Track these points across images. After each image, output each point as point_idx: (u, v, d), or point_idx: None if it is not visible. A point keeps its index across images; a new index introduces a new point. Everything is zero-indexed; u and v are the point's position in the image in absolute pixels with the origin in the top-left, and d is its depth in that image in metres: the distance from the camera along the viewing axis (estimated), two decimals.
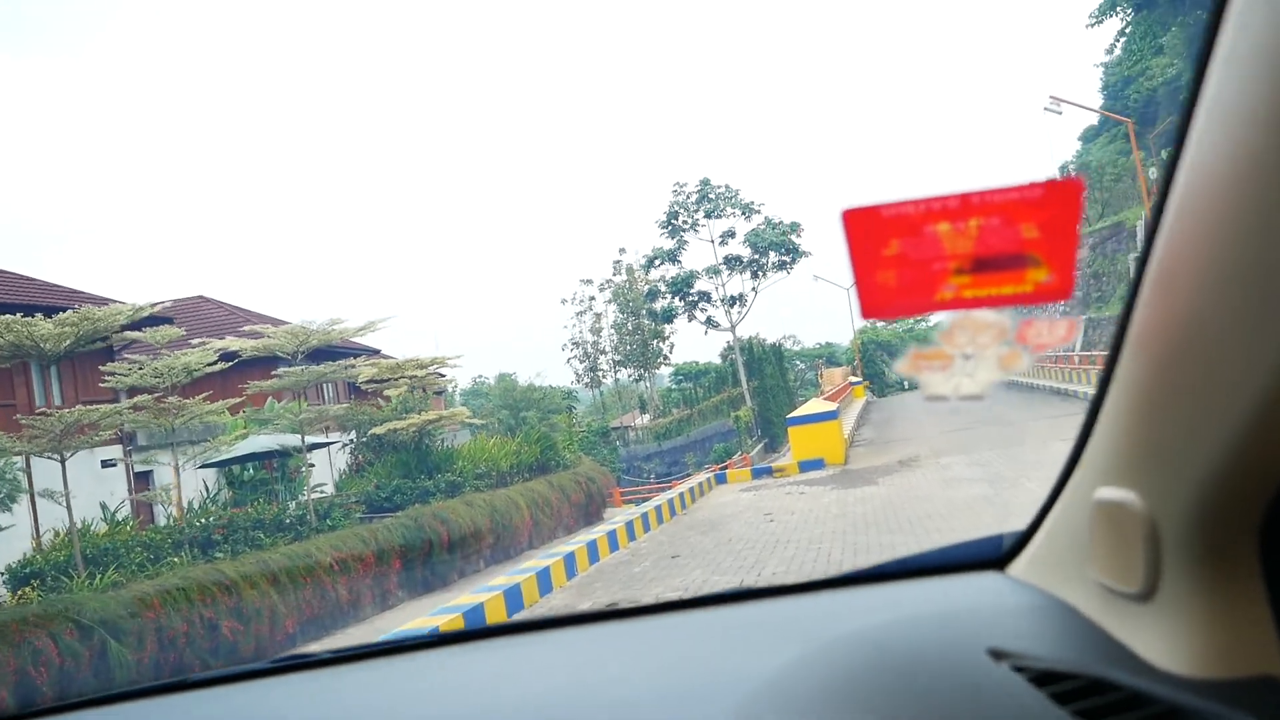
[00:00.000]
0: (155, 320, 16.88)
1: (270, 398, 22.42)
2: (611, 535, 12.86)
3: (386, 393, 23.83)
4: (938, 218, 0.76)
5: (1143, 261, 0.88)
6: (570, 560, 11.20)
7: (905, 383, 66.55)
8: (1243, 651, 0.96)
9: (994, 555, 1.54)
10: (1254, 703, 0.92)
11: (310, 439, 20.08)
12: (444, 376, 39.98)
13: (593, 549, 12.03)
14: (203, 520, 16.46)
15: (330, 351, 21.79)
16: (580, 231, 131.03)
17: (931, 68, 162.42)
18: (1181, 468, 0.92)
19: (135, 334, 16.42)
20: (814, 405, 23.40)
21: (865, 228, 0.77)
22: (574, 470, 26.27)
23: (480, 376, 53.71)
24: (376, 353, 29.44)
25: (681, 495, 17.25)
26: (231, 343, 18.93)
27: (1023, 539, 1.47)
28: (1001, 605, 1.41)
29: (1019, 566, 1.47)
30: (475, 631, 1.91)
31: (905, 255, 0.77)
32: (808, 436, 20.99)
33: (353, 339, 23.33)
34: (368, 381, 23.55)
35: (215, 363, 17.19)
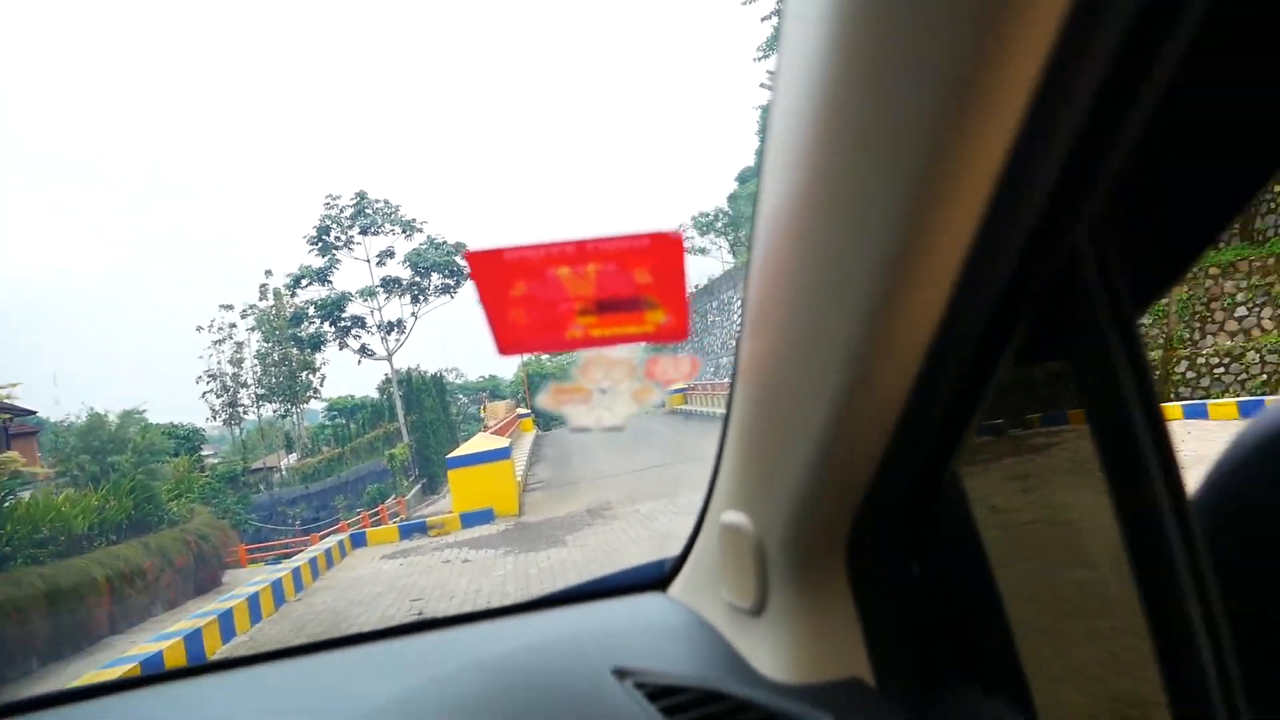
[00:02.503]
0: None
1: None
2: (154, 662, 8.20)
3: None
4: (557, 261, 0.80)
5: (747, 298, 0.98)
6: None
7: None
8: (836, 657, 1.07)
9: (658, 577, 1.59)
10: (841, 702, 1.04)
11: None
12: (30, 413, 32.98)
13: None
14: None
15: None
16: (222, 251, 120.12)
17: (606, 103, 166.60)
18: (777, 491, 1.02)
19: None
20: (480, 442, 19.83)
21: (490, 269, 0.81)
22: (183, 527, 22.09)
23: (102, 412, 46.58)
24: None
25: (297, 573, 12.66)
26: None
27: (680, 561, 1.53)
28: (648, 625, 1.46)
29: (676, 588, 1.53)
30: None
31: (532, 296, 0.81)
32: (472, 480, 17.29)
33: None
34: None
35: None
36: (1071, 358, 0.77)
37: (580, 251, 0.80)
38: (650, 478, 17.32)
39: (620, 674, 1.22)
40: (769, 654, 1.14)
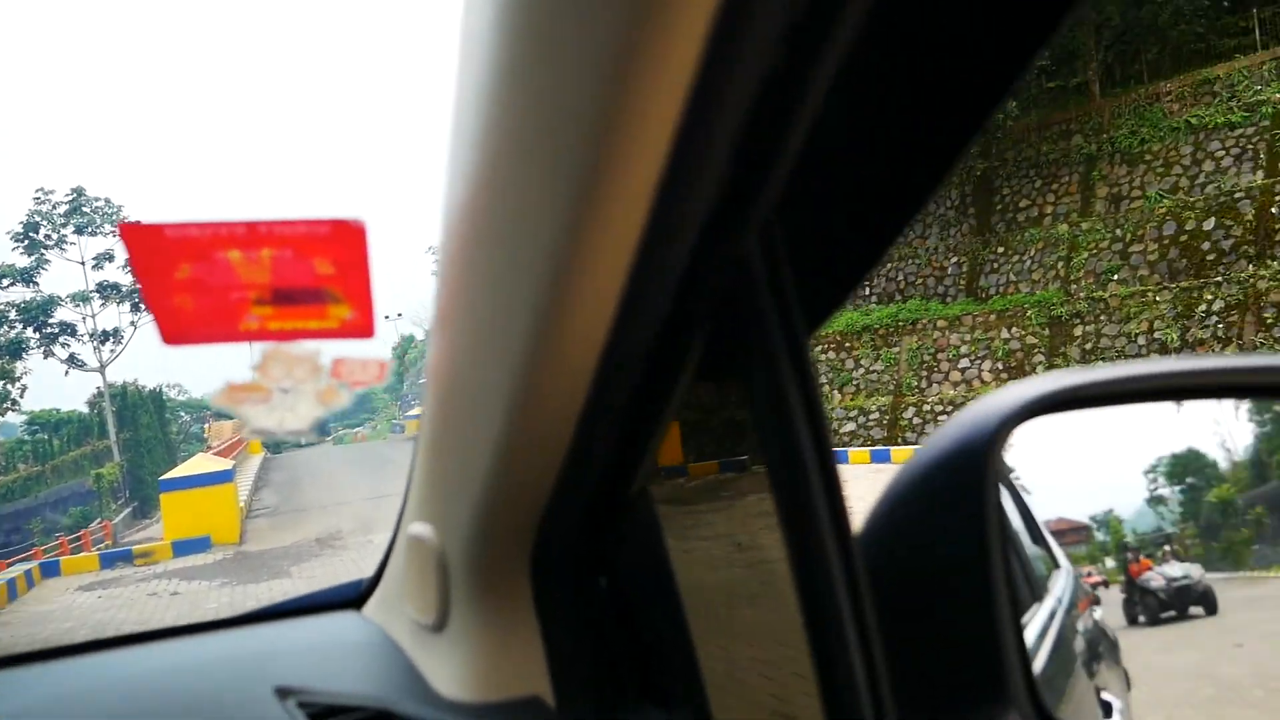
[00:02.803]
0: None
1: None
2: None
3: None
4: (226, 244, 0.75)
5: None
6: None
7: (302, 438, 65.44)
8: (516, 676, 1.05)
9: (353, 596, 1.53)
10: None
11: None
12: None
13: None
14: None
15: None
16: None
17: (365, 124, 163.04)
18: (459, 501, 0.98)
19: None
20: (199, 463, 18.66)
21: (149, 246, 0.75)
22: None
23: None
24: None
25: None
26: None
27: (376, 577, 1.46)
28: (333, 644, 1.41)
29: (370, 606, 1.48)
30: None
31: (200, 280, 0.76)
32: (188, 505, 16.20)
33: None
34: None
35: None
36: (744, 375, 0.77)
37: (252, 234, 0.75)
38: (385, 506, 16.80)
39: (283, 693, 1.16)
40: (449, 672, 1.11)
